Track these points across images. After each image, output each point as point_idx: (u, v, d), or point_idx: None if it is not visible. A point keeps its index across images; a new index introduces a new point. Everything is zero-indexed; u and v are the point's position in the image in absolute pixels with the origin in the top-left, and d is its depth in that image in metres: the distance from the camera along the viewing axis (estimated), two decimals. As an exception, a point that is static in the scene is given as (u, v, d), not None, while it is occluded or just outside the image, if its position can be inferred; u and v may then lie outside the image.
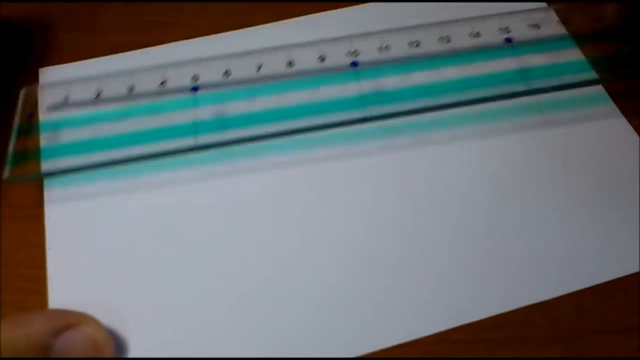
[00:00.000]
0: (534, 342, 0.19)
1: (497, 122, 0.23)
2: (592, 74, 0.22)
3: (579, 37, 0.23)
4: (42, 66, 0.25)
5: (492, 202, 0.21)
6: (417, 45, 0.22)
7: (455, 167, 0.22)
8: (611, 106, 0.23)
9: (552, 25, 0.23)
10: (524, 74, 0.22)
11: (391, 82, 0.21)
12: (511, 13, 0.24)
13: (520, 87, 0.21)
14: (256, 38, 0.26)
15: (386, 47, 0.22)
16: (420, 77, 0.22)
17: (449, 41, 0.22)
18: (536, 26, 0.23)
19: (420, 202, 0.21)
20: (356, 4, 0.27)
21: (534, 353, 0.18)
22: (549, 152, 0.22)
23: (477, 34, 0.22)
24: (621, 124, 0.23)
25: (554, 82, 0.22)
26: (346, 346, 0.19)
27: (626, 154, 0.22)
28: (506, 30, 0.23)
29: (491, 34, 0.23)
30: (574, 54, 0.23)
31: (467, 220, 0.21)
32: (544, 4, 0.26)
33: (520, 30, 0.23)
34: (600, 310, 0.19)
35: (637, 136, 0.23)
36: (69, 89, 0.23)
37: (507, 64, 0.22)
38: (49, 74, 0.25)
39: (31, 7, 0.27)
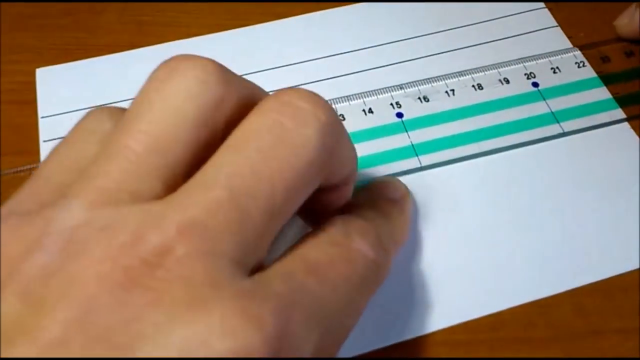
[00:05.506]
0: (534, 342, 0.19)
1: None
2: (619, 112, 0.23)
3: (602, 77, 0.24)
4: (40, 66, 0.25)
5: (491, 199, 0.21)
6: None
7: (456, 170, 0.22)
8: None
9: (572, 68, 0.24)
10: (556, 116, 0.23)
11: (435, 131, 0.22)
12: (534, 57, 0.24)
13: (556, 130, 0.22)
14: (253, 37, 0.26)
15: (424, 97, 0.23)
16: (458, 125, 0.23)
17: (481, 88, 0.23)
18: (558, 69, 0.24)
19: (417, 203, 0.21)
20: (351, 4, 0.27)
21: (534, 353, 0.18)
22: (549, 153, 0.22)
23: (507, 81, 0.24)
24: (622, 125, 0.23)
25: (585, 122, 0.23)
26: (345, 345, 0.18)
27: (626, 154, 0.22)
28: (532, 75, 0.24)
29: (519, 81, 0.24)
30: (599, 93, 0.23)
31: (465, 218, 0.21)
32: (542, 3, 0.26)
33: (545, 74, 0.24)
34: (600, 310, 0.19)
35: (637, 137, 0.23)
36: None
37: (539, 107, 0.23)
38: (47, 74, 0.25)
39: (31, 6, 0.27)
